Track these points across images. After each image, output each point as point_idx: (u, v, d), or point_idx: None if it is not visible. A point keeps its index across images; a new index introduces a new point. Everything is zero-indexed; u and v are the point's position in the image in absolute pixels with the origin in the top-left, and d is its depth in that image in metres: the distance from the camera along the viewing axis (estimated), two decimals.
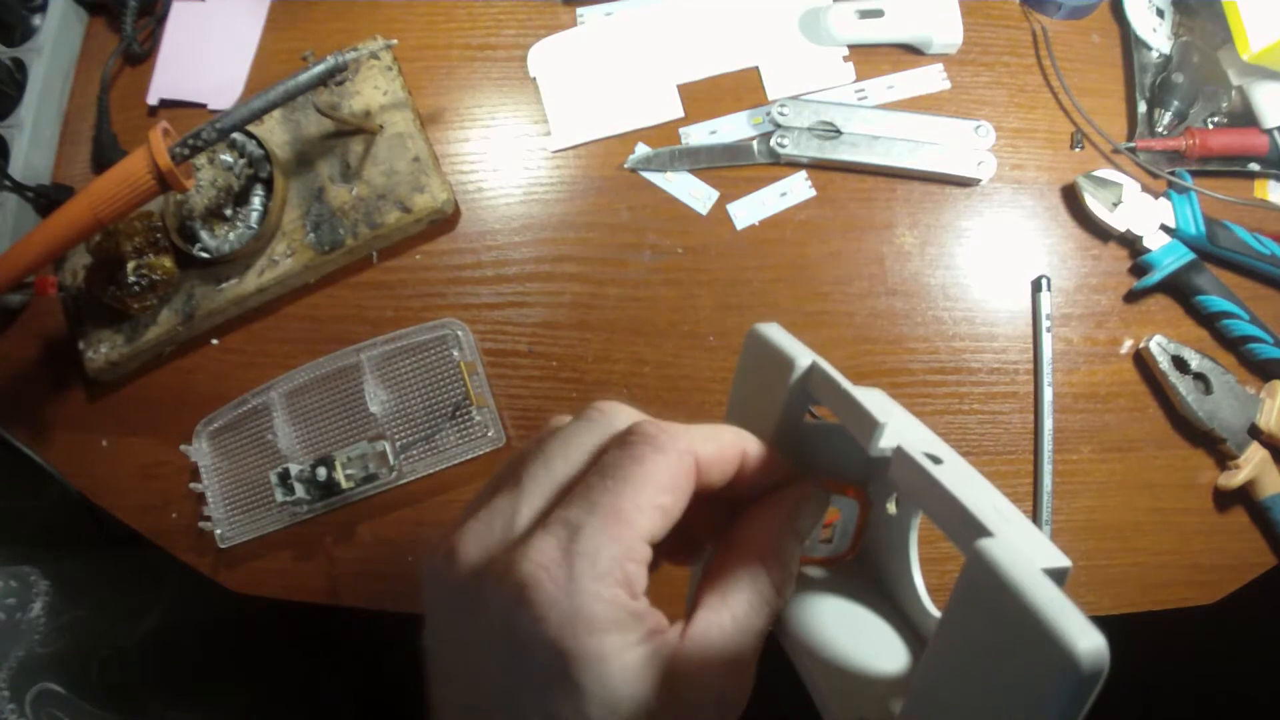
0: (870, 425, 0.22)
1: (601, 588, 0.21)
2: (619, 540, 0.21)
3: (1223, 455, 0.54)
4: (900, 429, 0.22)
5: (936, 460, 0.22)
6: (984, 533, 0.19)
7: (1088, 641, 0.16)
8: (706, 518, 0.28)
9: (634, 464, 0.22)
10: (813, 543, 0.28)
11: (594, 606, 0.21)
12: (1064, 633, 0.16)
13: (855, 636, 0.26)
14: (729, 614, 0.23)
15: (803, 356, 0.25)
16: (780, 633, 0.26)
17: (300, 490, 0.53)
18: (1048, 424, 0.54)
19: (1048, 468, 0.54)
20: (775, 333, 0.26)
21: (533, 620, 0.21)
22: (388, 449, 0.53)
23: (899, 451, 0.22)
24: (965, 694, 0.19)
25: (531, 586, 0.21)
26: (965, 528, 0.19)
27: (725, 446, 0.24)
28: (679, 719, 0.21)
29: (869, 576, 0.28)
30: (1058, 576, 0.18)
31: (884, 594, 0.28)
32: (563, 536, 0.21)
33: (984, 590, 0.18)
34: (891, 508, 0.27)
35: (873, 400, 0.22)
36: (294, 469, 0.53)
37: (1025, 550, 0.18)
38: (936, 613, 0.26)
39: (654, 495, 0.22)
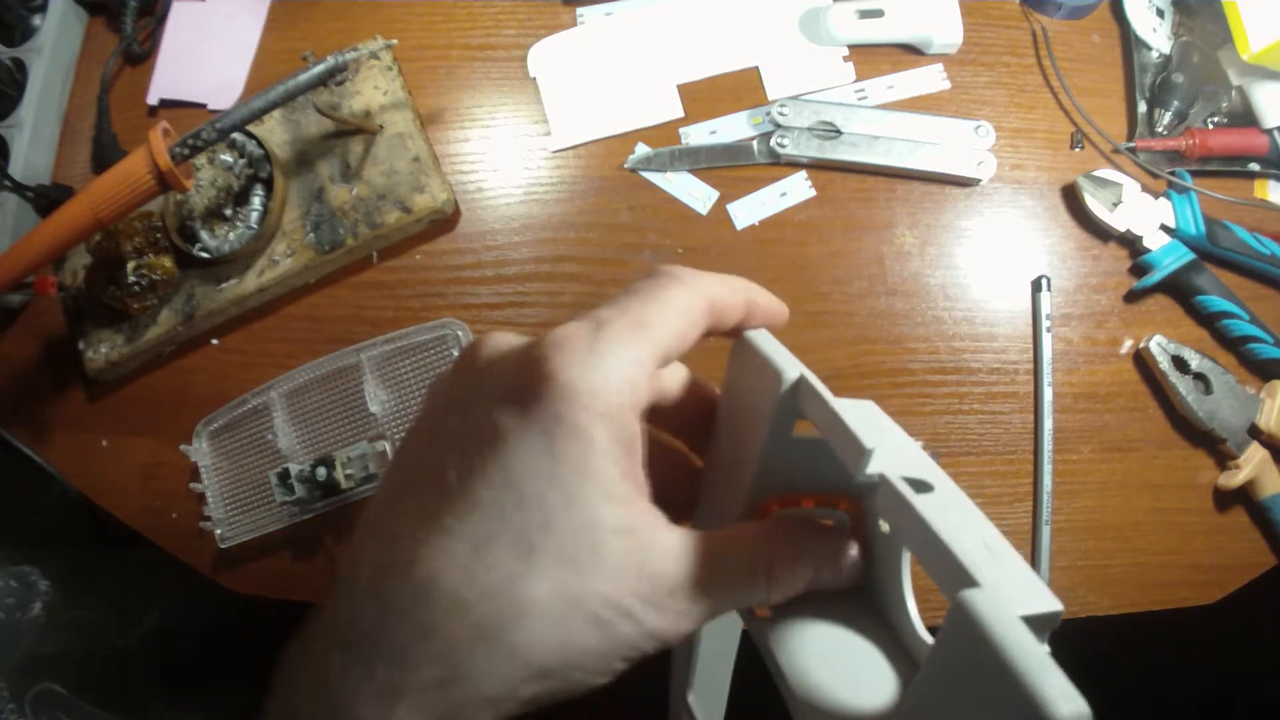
0: (857, 451, 0.21)
1: (621, 373, 0.21)
2: (639, 342, 0.22)
3: (1223, 455, 0.54)
4: (889, 454, 0.21)
5: (926, 487, 0.21)
6: (969, 581, 0.18)
7: (1069, 708, 0.15)
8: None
9: (659, 288, 0.23)
10: None
11: (608, 386, 0.21)
12: (1046, 699, 0.16)
13: (842, 668, 0.25)
14: (727, 569, 0.23)
15: (790, 369, 0.23)
16: (765, 656, 0.25)
17: (300, 490, 0.53)
18: (1048, 424, 0.54)
19: (1048, 468, 0.54)
20: (764, 341, 0.25)
21: (541, 378, 0.21)
22: (388, 449, 0.53)
23: (884, 482, 0.21)
24: None
25: (550, 350, 0.21)
26: (949, 573, 0.19)
27: (736, 291, 0.25)
28: (622, 575, 0.21)
29: (863, 594, 0.28)
30: (1048, 621, 0.18)
31: (879, 614, 0.27)
32: (590, 323, 0.22)
33: (967, 642, 0.17)
34: (885, 526, 0.27)
35: (861, 418, 0.21)
36: (294, 469, 0.53)
37: (1013, 598, 0.18)
38: (929, 639, 0.25)
39: (673, 316, 0.23)
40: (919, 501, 0.20)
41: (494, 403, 0.21)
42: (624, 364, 0.21)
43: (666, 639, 0.22)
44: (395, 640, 0.20)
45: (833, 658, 0.25)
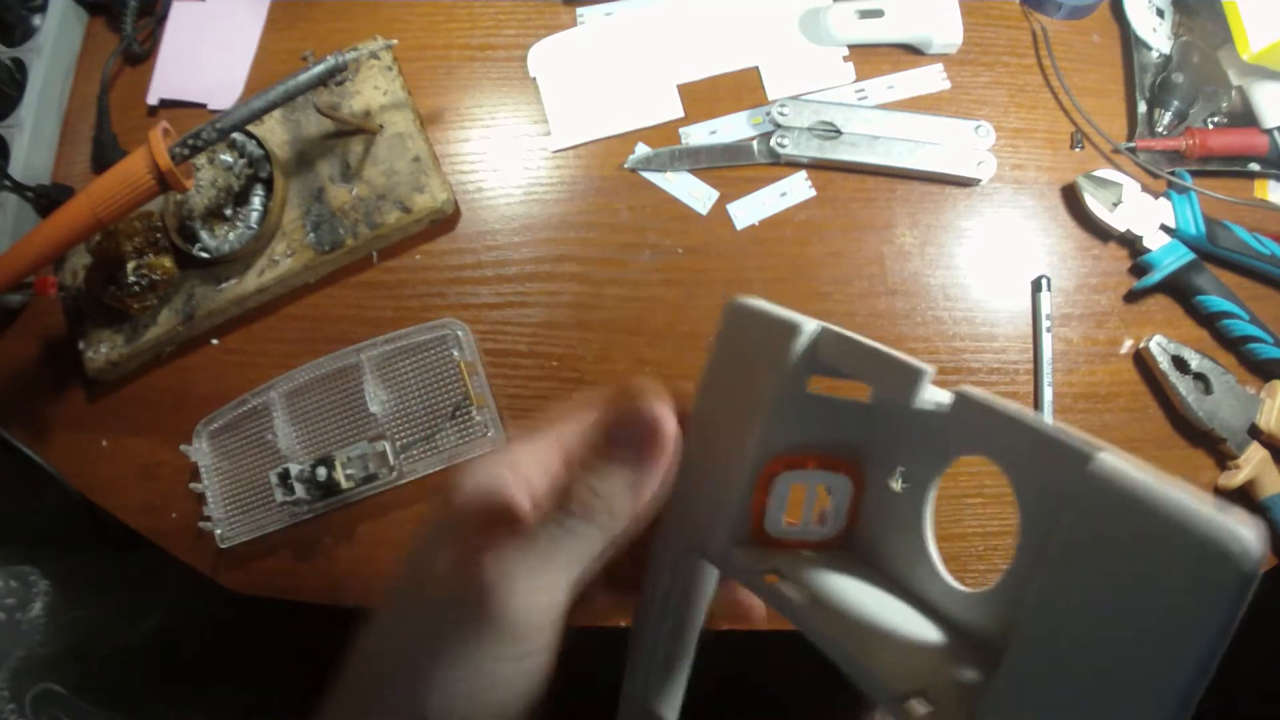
0: (914, 374, 0.20)
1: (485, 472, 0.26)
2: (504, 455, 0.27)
3: (1223, 455, 0.54)
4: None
5: None
6: (1091, 452, 0.17)
7: (1251, 531, 0.15)
8: None
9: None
10: (806, 526, 0.27)
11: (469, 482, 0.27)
12: (1228, 528, 0.15)
13: (883, 610, 0.24)
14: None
15: (808, 321, 0.24)
16: (803, 613, 0.24)
17: (300, 490, 0.53)
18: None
19: None
20: (765, 304, 0.25)
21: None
22: (388, 449, 0.53)
23: (961, 394, 0.20)
24: (1092, 637, 0.17)
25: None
26: (1065, 455, 0.18)
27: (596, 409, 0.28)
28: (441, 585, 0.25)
29: (860, 561, 0.27)
30: None
31: (883, 576, 0.27)
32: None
33: (1110, 512, 0.16)
34: (896, 485, 0.26)
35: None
36: (294, 469, 0.53)
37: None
38: (961, 588, 0.24)
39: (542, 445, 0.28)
40: (1004, 402, 0.20)
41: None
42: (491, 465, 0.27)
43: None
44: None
45: (871, 601, 0.25)
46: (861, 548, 0.28)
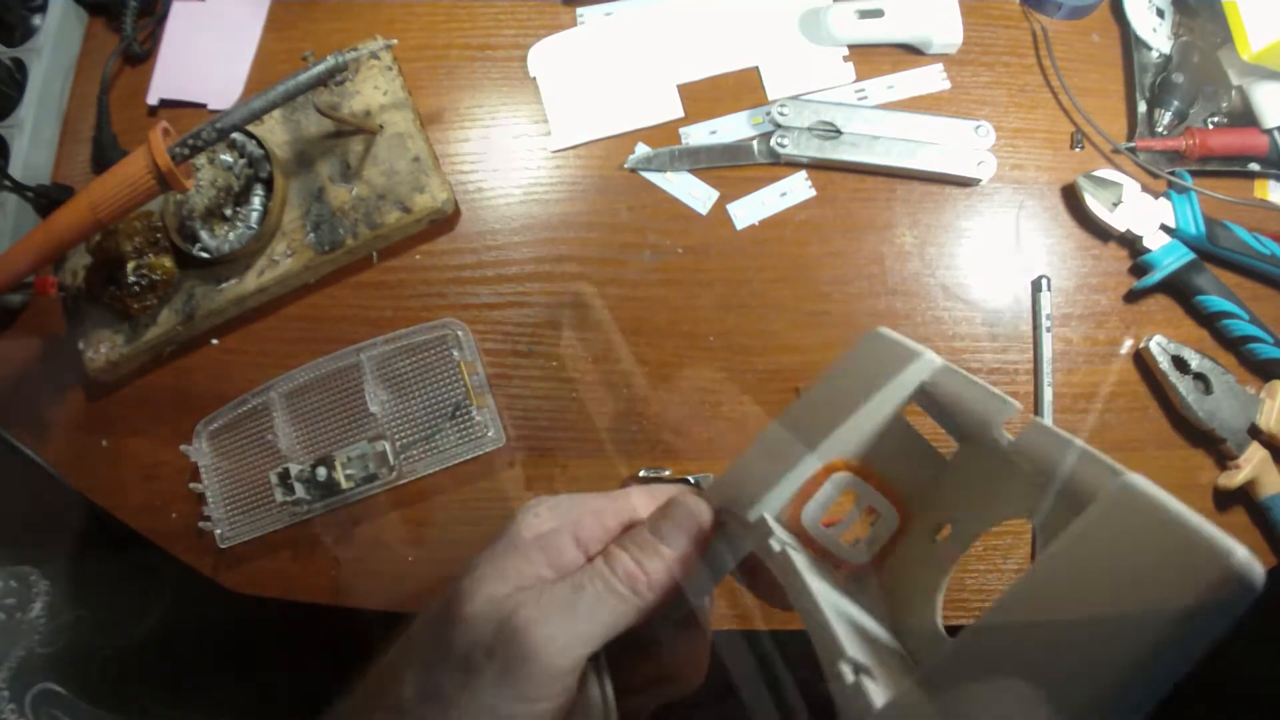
0: (1000, 407, 0.25)
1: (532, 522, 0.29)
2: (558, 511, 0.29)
3: (1223, 455, 0.54)
4: None
5: None
6: (1120, 472, 0.20)
7: (1244, 550, 0.17)
8: None
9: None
10: (836, 539, 0.28)
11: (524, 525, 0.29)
12: (1226, 547, 0.17)
13: (867, 621, 0.26)
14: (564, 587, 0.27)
15: (933, 355, 0.27)
16: (801, 583, 0.25)
17: (300, 490, 0.53)
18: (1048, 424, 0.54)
19: None
20: (902, 336, 0.29)
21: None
22: (388, 449, 0.53)
23: (1035, 424, 0.24)
24: (1074, 617, 0.19)
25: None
26: (1102, 472, 0.21)
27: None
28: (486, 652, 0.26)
29: (868, 597, 0.28)
30: None
31: (880, 614, 0.28)
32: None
33: (1130, 523, 0.19)
34: (940, 537, 0.27)
35: None
36: (294, 469, 0.53)
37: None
38: (947, 637, 0.26)
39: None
40: (1061, 431, 0.23)
41: None
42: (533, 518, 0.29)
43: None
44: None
45: (853, 611, 0.26)
46: (873, 588, 0.29)
